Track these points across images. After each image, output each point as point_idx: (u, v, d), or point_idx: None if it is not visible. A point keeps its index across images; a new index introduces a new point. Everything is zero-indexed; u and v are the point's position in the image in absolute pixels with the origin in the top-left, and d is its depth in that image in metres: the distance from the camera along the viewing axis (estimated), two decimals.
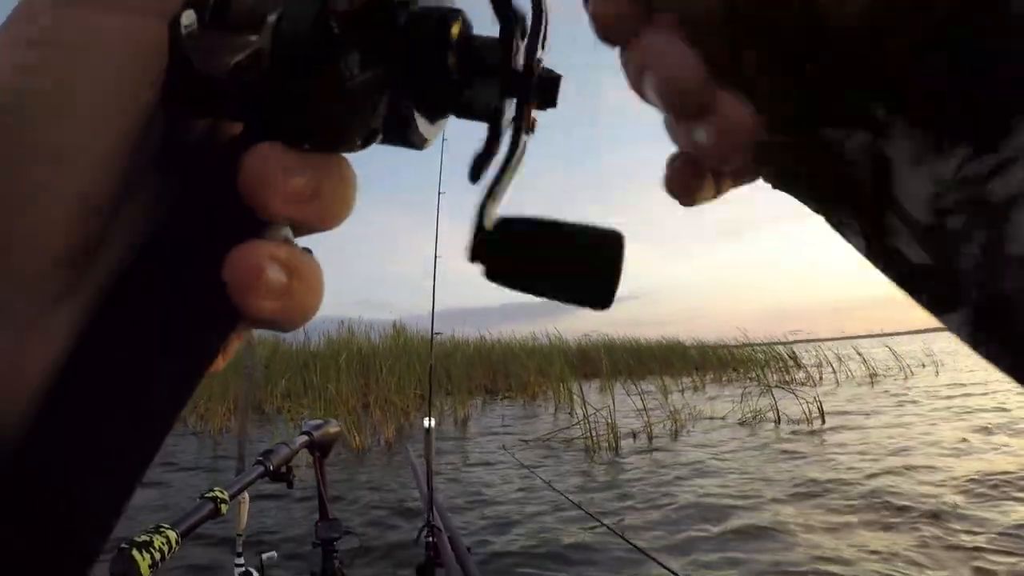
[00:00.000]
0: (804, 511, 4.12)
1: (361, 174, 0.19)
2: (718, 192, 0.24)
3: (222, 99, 0.17)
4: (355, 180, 0.19)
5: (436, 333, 2.05)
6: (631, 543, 1.94)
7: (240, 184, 0.17)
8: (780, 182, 0.23)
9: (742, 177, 0.24)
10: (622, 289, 0.20)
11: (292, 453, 1.65)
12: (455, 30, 0.18)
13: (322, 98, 0.17)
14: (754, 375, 11.63)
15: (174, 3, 0.16)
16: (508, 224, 0.20)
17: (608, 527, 2.25)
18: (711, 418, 7.68)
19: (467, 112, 0.20)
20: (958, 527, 3.65)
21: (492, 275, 0.20)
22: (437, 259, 2.06)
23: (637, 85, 0.20)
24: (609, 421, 6.77)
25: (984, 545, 3.38)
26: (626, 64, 0.20)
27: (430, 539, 1.74)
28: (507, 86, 0.18)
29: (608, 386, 8.26)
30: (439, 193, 2.23)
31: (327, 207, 0.18)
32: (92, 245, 0.16)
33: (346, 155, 0.19)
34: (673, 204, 0.24)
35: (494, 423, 8.07)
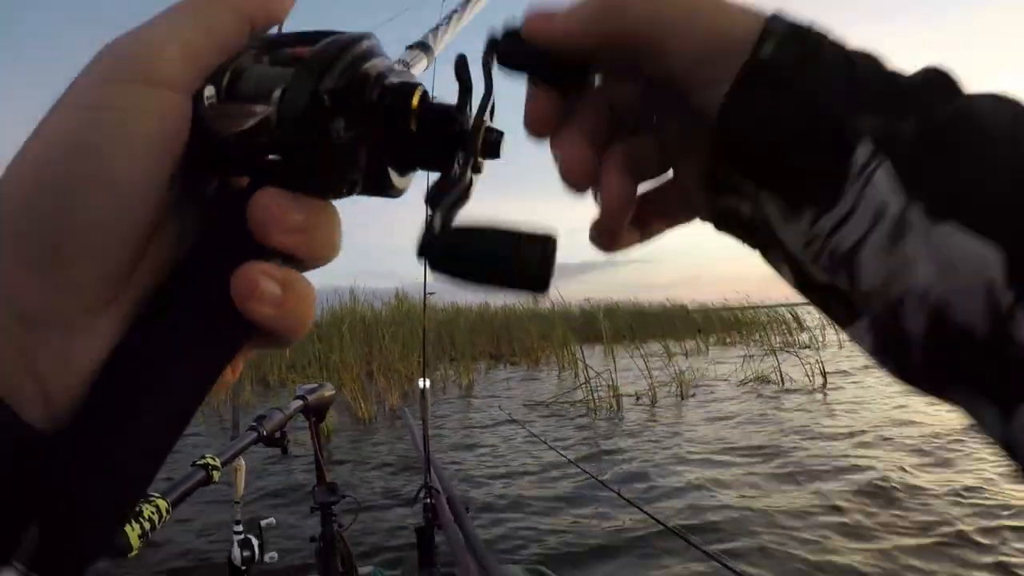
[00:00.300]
0: (795, 465, 4.15)
1: None
2: (644, 238, 0.29)
3: (235, 157, 0.21)
4: (340, 221, 0.23)
5: (430, 293, 2.02)
6: (624, 496, 1.94)
7: (248, 218, 0.21)
8: (716, 228, 0.27)
9: (673, 222, 0.29)
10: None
11: (286, 418, 1.62)
12: (415, 100, 0.22)
13: (316, 155, 0.21)
14: (757, 337, 11.63)
15: (197, 80, 0.21)
16: (453, 231, 0.23)
17: (599, 480, 2.29)
18: (714, 380, 7.70)
19: (427, 165, 0.24)
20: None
21: (435, 267, 0.22)
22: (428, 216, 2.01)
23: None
24: (611, 384, 6.78)
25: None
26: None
27: (428, 500, 1.73)
28: (457, 143, 0.23)
29: (609, 350, 8.28)
30: None
31: (317, 240, 0.22)
32: (131, 267, 0.20)
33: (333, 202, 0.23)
34: None
35: (498, 388, 8.11)
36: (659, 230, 0.29)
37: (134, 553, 1.02)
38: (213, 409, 7.20)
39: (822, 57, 0.21)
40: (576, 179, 0.26)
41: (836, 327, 0.23)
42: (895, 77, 0.21)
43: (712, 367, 8.10)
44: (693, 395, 6.91)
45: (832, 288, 0.22)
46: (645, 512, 1.83)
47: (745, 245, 0.26)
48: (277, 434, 1.60)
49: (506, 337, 12.25)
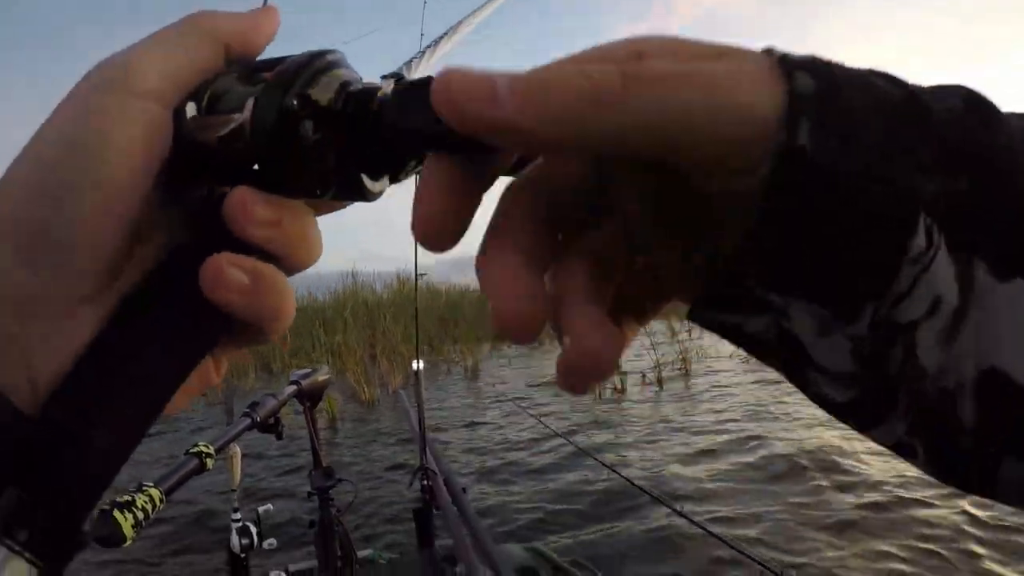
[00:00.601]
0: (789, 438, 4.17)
1: None
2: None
3: (213, 164, 0.23)
4: (314, 223, 0.24)
5: (422, 274, 2.02)
6: (606, 464, 1.96)
7: (223, 213, 0.22)
8: (695, 323, 0.22)
9: (645, 320, 0.24)
10: None
11: (280, 403, 1.62)
12: (374, 105, 0.22)
13: (286, 157, 0.22)
14: None
15: (176, 94, 0.23)
16: None
17: (585, 450, 2.34)
18: (717, 356, 7.72)
19: (396, 168, 0.25)
20: None
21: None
22: None
23: None
24: None
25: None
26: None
27: (425, 482, 1.73)
28: (419, 146, 0.23)
29: None
30: None
31: (289, 236, 0.23)
32: (117, 262, 0.22)
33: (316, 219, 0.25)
34: None
35: (502, 368, 8.14)
36: (628, 338, 0.23)
37: (128, 543, 1.02)
38: (215, 395, 7.26)
39: (862, 122, 0.17)
40: (524, 328, 0.19)
41: (860, 431, 0.20)
42: (928, 113, 0.17)
43: (716, 344, 8.09)
44: (699, 373, 6.93)
45: (852, 404, 0.19)
46: (632, 482, 1.84)
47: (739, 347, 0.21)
48: (271, 420, 1.59)
49: None
